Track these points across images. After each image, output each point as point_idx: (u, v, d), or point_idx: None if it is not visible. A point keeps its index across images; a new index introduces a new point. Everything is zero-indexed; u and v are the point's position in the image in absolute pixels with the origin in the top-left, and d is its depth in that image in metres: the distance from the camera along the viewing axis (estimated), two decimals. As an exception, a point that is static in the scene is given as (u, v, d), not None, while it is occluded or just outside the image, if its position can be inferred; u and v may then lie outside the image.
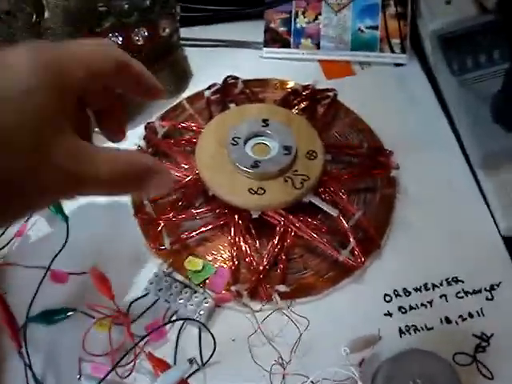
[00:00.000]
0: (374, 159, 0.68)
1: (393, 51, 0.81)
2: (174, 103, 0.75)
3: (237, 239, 0.61)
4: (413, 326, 0.58)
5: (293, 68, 0.75)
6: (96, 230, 0.62)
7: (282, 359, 0.55)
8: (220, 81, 0.74)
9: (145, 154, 0.63)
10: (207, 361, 0.55)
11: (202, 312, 0.57)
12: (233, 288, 0.58)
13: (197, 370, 0.55)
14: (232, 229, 0.61)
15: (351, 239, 0.60)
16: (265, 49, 0.82)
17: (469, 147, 0.71)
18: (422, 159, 0.69)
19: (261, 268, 0.59)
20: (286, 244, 0.61)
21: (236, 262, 0.60)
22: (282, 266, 0.60)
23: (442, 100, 0.77)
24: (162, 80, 0.71)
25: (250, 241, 0.62)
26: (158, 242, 0.61)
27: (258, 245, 0.62)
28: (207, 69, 0.77)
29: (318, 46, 0.81)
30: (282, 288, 0.58)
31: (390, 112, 0.76)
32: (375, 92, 0.79)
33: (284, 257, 0.60)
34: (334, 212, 0.60)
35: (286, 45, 0.82)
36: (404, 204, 0.67)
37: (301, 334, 0.56)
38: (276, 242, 0.61)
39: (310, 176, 0.61)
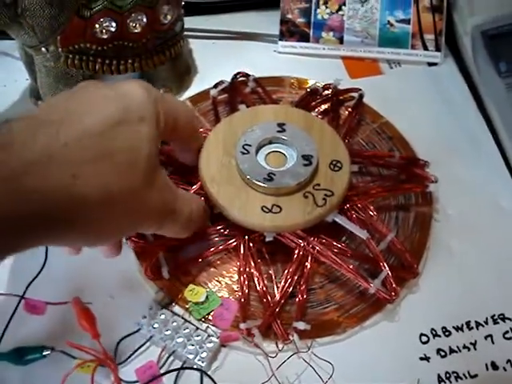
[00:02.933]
0: (407, 171, 0.62)
1: (426, 48, 0.76)
2: (176, 103, 0.67)
3: (247, 266, 0.54)
4: (454, 372, 0.51)
5: (312, 65, 0.70)
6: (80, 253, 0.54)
7: None
8: (228, 78, 0.68)
9: None
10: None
11: (204, 354, 0.50)
12: (242, 326, 0.51)
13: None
14: (241, 253, 0.54)
15: (384, 267, 0.53)
16: (280, 42, 0.77)
17: None
18: (460, 173, 0.64)
19: (276, 300, 0.52)
20: (305, 271, 0.54)
21: (246, 293, 0.53)
22: (300, 297, 0.53)
23: (482, 105, 0.71)
24: (162, 76, 0.68)
25: (262, 268, 0.55)
26: (154, 270, 0.54)
27: (272, 272, 0.55)
28: (214, 64, 0.71)
29: (341, 41, 0.76)
30: (301, 325, 0.51)
31: (422, 117, 0.70)
32: (405, 94, 0.73)
33: (303, 286, 0.53)
34: (362, 234, 0.54)
35: (305, 38, 0.77)
36: (442, 226, 0.60)
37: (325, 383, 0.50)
38: (294, 269, 0.53)
39: (333, 191, 0.54)
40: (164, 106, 0.44)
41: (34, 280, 0.54)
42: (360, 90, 0.68)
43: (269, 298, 0.53)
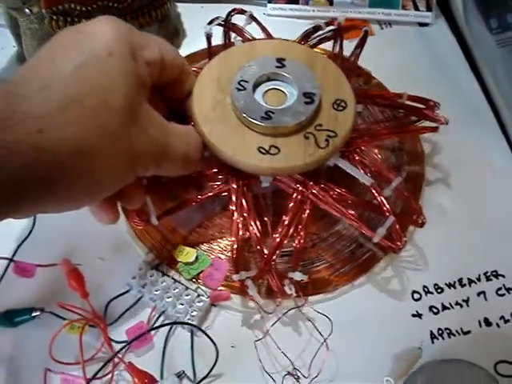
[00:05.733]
0: (416, 112, 0.58)
1: (417, 9, 0.75)
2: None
3: (241, 211, 0.50)
4: (446, 329, 0.51)
5: (302, 28, 0.66)
6: (68, 214, 0.52)
7: (297, 370, 0.48)
8: (217, 42, 0.63)
9: None
10: (205, 376, 0.47)
11: (194, 313, 0.50)
12: (235, 277, 0.49)
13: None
14: (234, 200, 0.50)
15: (389, 214, 0.49)
16: (269, 5, 0.76)
17: (509, 121, 0.64)
18: (453, 134, 0.61)
19: (272, 248, 0.48)
20: (304, 217, 0.49)
21: (239, 240, 0.49)
22: (298, 244, 0.49)
23: (474, 65, 0.70)
24: None
25: (258, 216, 0.50)
26: (141, 216, 0.51)
27: (268, 221, 0.53)
28: (203, 28, 0.67)
29: (330, 2, 0.75)
30: (297, 276, 0.49)
31: (413, 78, 0.68)
32: (396, 55, 0.72)
33: (302, 232, 0.49)
34: (366, 180, 0.49)
35: (294, 0, 0.75)
36: (435, 185, 0.60)
37: (325, 339, 0.49)
38: (291, 216, 0.49)
39: (337, 132, 0.49)
40: (139, 38, 0.42)
41: (23, 243, 0.54)
42: (365, 25, 0.65)
43: (263, 247, 0.49)
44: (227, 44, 0.61)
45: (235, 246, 0.49)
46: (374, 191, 0.49)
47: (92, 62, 0.37)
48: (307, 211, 0.49)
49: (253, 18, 0.63)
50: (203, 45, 0.64)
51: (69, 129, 0.35)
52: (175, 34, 0.71)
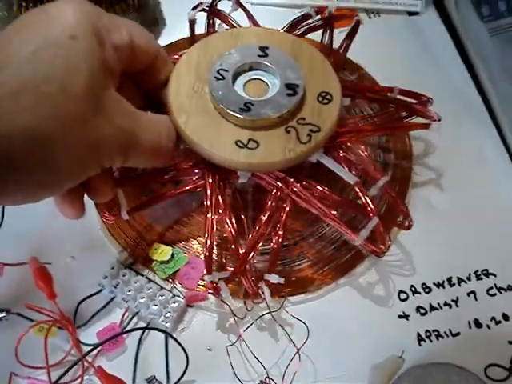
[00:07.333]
0: (407, 108, 0.56)
1: None
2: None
3: (215, 208, 0.47)
4: (434, 330, 0.50)
5: (287, 17, 0.64)
6: (38, 210, 0.51)
7: (271, 379, 0.46)
8: (199, 31, 0.61)
9: None
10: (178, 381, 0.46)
11: (168, 314, 0.48)
12: (207, 278, 0.46)
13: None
14: (209, 195, 0.47)
15: (373, 215, 0.47)
16: None
17: (500, 113, 0.63)
18: (441, 125, 0.59)
19: (248, 248, 0.46)
20: (282, 216, 0.47)
21: (212, 238, 0.46)
22: (275, 244, 0.47)
23: (465, 54, 0.69)
24: None
25: (233, 212, 0.48)
26: (111, 209, 0.50)
27: (245, 218, 0.51)
28: (183, 17, 0.65)
29: None
30: (273, 279, 0.47)
31: (402, 69, 0.67)
32: (385, 45, 0.70)
33: (280, 233, 0.47)
34: (350, 179, 0.47)
35: None
36: (423, 180, 0.59)
37: (298, 350, 0.48)
38: (269, 214, 0.47)
39: (320, 126, 0.46)
40: (106, 21, 0.39)
41: (-11, 240, 0.52)
42: (357, 15, 0.62)
43: (239, 246, 0.47)
44: (211, 32, 0.59)
45: (208, 245, 0.46)
46: (358, 190, 0.47)
47: (52, 45, 0.35)
48: (287, 209, 0.47)
49: (239, 4, 0.60)
50: (184, 34, 0.62)
51: (22, 116, 0.33)
52: (154, 23, 0.69)
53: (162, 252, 0.51)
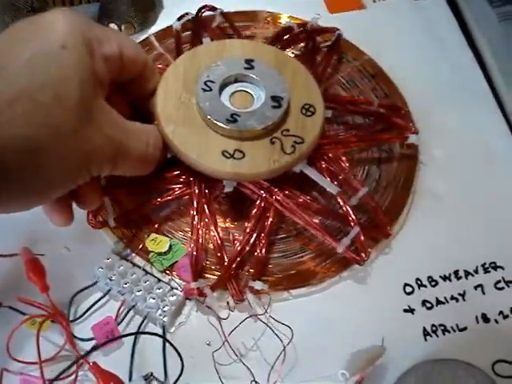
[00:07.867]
0: (386, 120, 0.58)
1: None
2: (140, 39, 0.64)
3: (201, 216, 0.50)
4: (441, 325, 0.50)
5: None
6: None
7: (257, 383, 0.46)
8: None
9: None
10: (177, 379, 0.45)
11: (166, 308, 0.47)
12: (193, 285, 0.48)
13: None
14: (195, 202, 0.50)
15: (354, 224, 0.50)
16: None
17: (508, 100, 0.63)
18: (448, 115, 0.61)
19: (232, 255, 0.49)
20: (266, 225, 0.50)
21: (199, 246, 0.50)
22: (259, 253, 0.49)
23: (472, 40, 0.68)
24: (121, 10, 0.63)
25: (220, 221, 0.52)
26: (98, 216, 0.51)
27: (231, 226, 0.53)
28: (180, 0, 0.65)
29: None
30: (258, 285, 0.48)
31: (407, 54, 0.67)
32: (389, 30, 0.69)
33: (264, 241, 0.50)
34: (332, 189, 0.50)
35: None
36: (429, 172, 0.58)
37: (284, 347, 0.47)
38: (254, 223, 0.50)
39: (304, 138, 0.50)
40: (96, 32, 0.41)
41: (-21, 230, 0.51)
42: (338, 29, 0.64)
43: (224, 253, 0.50)
44: (196, 42, 0.61)
45: (194, 253, 0.49)
46: (339, 200, 0.51)
47: (44, 55, 0.36)
48: (270, 219, 0.50)
49: (224, 16, 0.63)
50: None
51: (16, 124, 0.34)
52: (151, 7, 0.67)
53: (160, 243, 0.50)
